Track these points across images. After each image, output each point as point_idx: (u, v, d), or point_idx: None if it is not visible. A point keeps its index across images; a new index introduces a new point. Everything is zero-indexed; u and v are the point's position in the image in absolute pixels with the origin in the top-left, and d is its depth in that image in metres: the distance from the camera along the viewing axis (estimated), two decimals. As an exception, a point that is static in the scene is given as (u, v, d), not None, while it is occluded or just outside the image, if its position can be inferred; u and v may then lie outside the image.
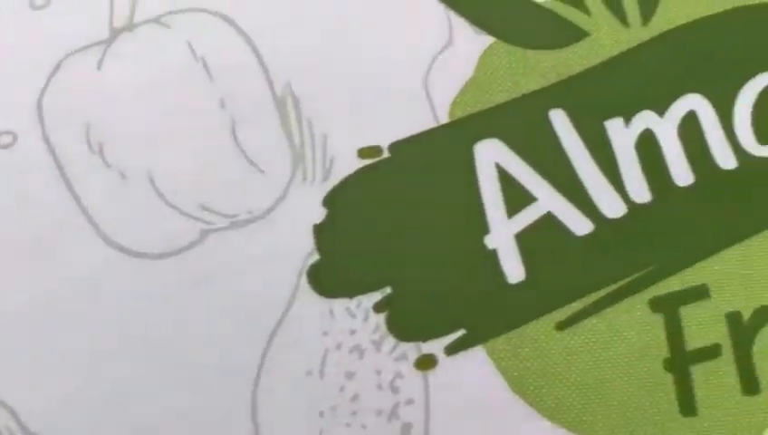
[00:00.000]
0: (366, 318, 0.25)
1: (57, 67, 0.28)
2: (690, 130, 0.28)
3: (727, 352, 0.26)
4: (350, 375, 0.25)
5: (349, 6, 0.29)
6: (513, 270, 0.26)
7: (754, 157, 0.28)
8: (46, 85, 0.26)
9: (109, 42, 0.27)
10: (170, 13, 0.29)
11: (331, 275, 0.25)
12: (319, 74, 0.27)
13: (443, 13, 0.29)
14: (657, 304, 0.26)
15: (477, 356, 0.25)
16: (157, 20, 0.29)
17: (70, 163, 0.26)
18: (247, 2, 0.29)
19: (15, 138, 0.27)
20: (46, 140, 0.27)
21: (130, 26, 0.29)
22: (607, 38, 0.28)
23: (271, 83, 0.28)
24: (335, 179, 0.26)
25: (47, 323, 0.25)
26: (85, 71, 0.28)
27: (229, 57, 0.27)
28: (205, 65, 0.28)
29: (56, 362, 0.24)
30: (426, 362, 0.25)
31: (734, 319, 0.26)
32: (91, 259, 0.26)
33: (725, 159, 0.27)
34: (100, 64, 0.28)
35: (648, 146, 0.27)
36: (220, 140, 0.26)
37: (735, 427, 0.25)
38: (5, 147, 0.26)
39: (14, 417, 0.24)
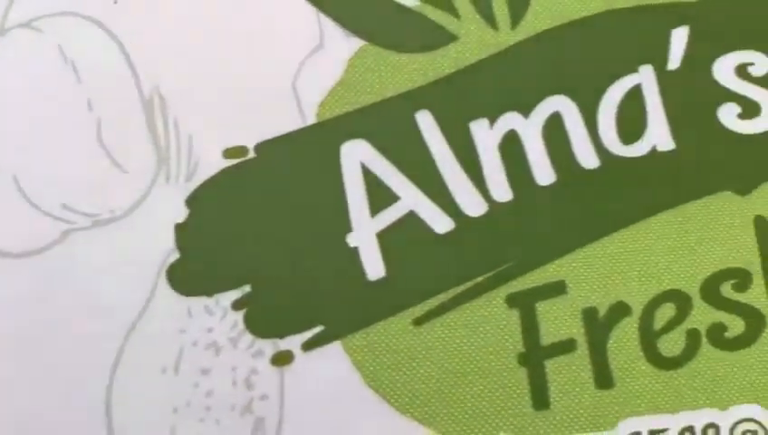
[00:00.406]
0: (224, 316, 0.24)
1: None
2: (554, 130, 0.26)
3: (582, 347, 0.25)
4: (205, 371, 0.23)
5: (218, 10, 0.28)
6: (374, 267, 0.25)
7: (617, 156, 0.26)
8: None
9: None
10: (42, 17, 0.28)
11: (191, 273, 0.24)
12: (187, 76, 0.26)
13: (314, 16, 0.27)
14: (513, 300, 0.25)
15: (334, 351, 0.24)
16: (28, 24, 0.28)
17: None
18: (118, 6, 0.29)
19: None
20: None
21: (2, 30, 0.28)
22: (475, 41, 0.27)
23: (139, 85, 0.25)
24: (199, 179, 0.25)
25: None
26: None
27: (98, 60, 0.25)
28: (74, 68, 0.25)
29: None
30: (282, 358, 0.24)
31: (589, 314, 0.25)
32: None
33: (588, 158, 0.26)
34: None
35: (511, 146, 0.26)
36: (85, 140, 0.25)
37: (589, 420, 0.24)
38: None
39: None
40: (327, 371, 0.24)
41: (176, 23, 0.27)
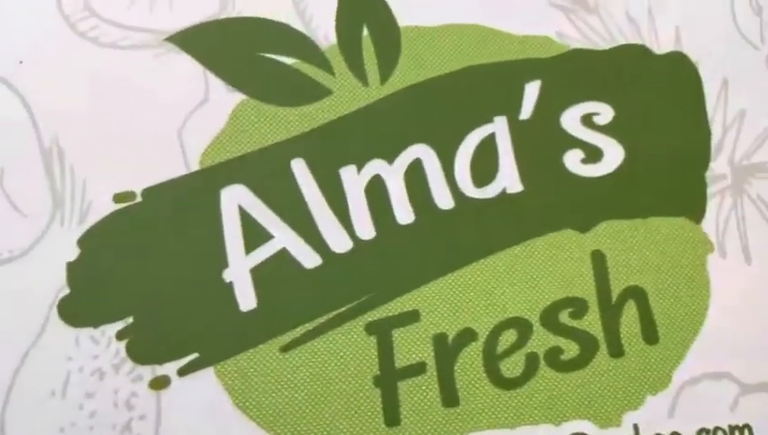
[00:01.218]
0: (108, 345, 0.26)
1: None
2: (415, 175, 0.29)
3: (431, 370, 0.27)
4: (90, 395, 0.25)
5: (113, 70, 0.30)
6: (246, 300, 0.27)
7: (470, 198, 0.29)
8: None
9: None
10: None
11: (79, 307, 0.26)
12: (83, 128, 0.28)
13: (201, 73, 0.29)
14: (372, 327, 0.27)
15: (207, 376, 0.26)
16: None
17: None
18: (23, 66, 0.31)
19: None
20: None
21: None
22: (347, 95, 0.30)
23: (39, 136, 0.28)
24: (90, 222, 0.27)
25: None
26: None
27: (3, 114, 0.28)
28: None
29: None
30: (159, 383, 0.26)
31: (439, 340, 0.27)
32: None
33: (444, 200, 0.29)
34: None
35: (376, 190, 0.29)
36: (-12, 191, 0.29)
37: (437, 433, 0.27)
38: None
39: None
40: (200, 393, 0.26)
41: (74, 81, 0.29)
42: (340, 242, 0.29)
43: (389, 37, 0.31)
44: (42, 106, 0.29)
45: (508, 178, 0.30)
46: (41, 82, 0.29)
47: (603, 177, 0.31)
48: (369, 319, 0.28)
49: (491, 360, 0.28)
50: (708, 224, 0.30)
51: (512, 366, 0.28)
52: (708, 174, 0.31)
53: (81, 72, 0.30)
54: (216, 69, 0.30)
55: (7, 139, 0.29)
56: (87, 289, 0.27)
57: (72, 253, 0.27)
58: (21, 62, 0.29)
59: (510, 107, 0.31)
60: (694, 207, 0.31)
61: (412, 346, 0.28)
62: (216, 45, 0.30)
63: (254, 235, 0.28)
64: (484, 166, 0.30)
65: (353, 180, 0.29)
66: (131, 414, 0.26)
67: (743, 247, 0.30)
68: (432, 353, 0.28)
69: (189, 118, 0.29)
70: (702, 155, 0.31)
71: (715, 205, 0.31)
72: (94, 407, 0.26)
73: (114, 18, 0.31)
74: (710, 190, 0.31)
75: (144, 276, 0.27)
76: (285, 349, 0.27)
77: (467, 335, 0.28)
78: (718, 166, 0.31)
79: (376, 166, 0.30)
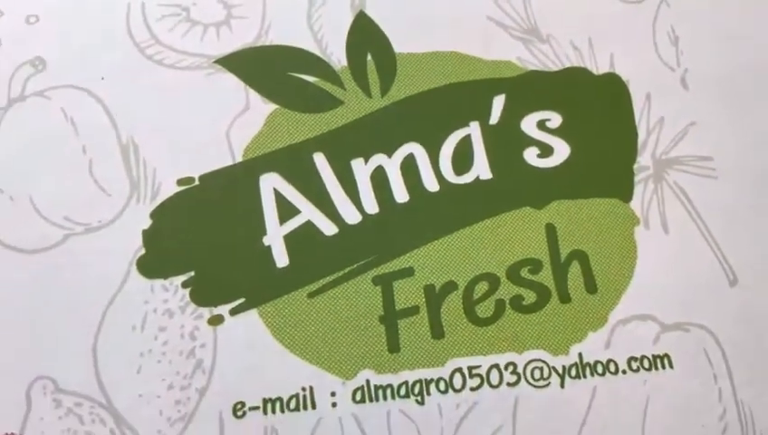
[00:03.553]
0: (176, 292, 0.33)
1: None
2: (409, 165, 0.36)
3: (423, 311, 0.33)
4: (162, 329, 0.32)
5: (174, 85, 0.36)
6: (281, 259, 0.34)
7: (451, 183, 0.36)
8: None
9: (6, 108, 0.35)
10: (50, 88, 0.36)
11: (152, 263, 0.33)
12: (152, 129, 0.35)
13: (243, 88, 0.36)
14: (377, 280, 0.34)
15: (251, 316, 0.33)
16: (41, 93, 0.36)
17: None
18: (104, 81, 0.38)
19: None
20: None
21: (23, 97, 0.36)
22: (356, 105, 0.37)
23: (118, 135, 0.35)
24: (160, 199, 0.34)
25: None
26: (-11, 128, 0.35)
27: (89, 118, 0.35)
28: (73, 123, 0.35)
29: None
30: (215, 320, 0.32)
31: (429, 289, 0.34)
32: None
33: (431, 184, 0.36)
34: None
35: (379, 176, 0.35)
36: (81, 173, 0.34)
37: (427, 359, 0.33)
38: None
39: None
40: (247, 328, 0.33)
41: (144, 92, 0.36)
42: (351, 215, 0.35)
43: (388, 61, 0.38)
44: (120, 111, 0.36)
45: (481, 168, 0.37)
46: (119, 93, 0.36)
47: (554, 167, 0.37)
48: (375, 274, 0.34)
49: (468, 304, 0.34)
50: (635, 203, 0.37)
51: (484, 309, 0.34)
52: (635, 166, 0.38)
53: (149, 86, 0.37)
54: (255, 85, 0.37)
55: (93, 137, 0.35)
56: (158, 250, 0.34)
57: (146, 223, 0.34)
58: (103, 78, 0.36)
59: (482, 114, 0.38)
60: (624, 190, 0.37)
61: (408, 294, 0.34)
62: (254, 66, 0.37)
63: (286, 210, 0.35)
64: (462, 159, 0.37)
65: (361, 169, 0.36)
66: (194, 343, 0.32)
67: (662, 221, 0.37)
68: (423, 299, 0.34)
69: (234, 122, 0.36)
70: (630, 151, 0.38)
71: (641, 189, 0.38)
72: (166, 338, 0.32)
73: (173, 45, 0.38)
74: (637, 178, 0.38)
75: (202, 241, 0.34)
76: (312, 295, 0.34)
77: (450, 286, 0.35)
78: (643, 159, 0.38)
79: (379, 159, 0.37)
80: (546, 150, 0.38)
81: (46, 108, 0.36)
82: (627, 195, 0.37)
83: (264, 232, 0.35)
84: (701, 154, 0.38)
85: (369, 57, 0.38)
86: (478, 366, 0.34)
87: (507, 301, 0.35)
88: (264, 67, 0.37)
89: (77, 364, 0.32)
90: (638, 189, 0.37)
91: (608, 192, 0.37)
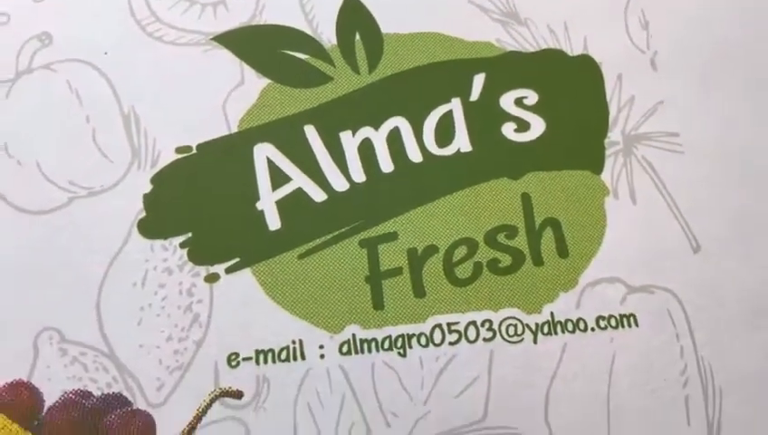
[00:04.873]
0: (174, 251, 0.34)
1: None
2: (394, 138, 0.38)
3: (406, 272, 0.35)
4: (161, 285, 0.34)
5: (173, 60, 0.38)
6: (273, 222, 0.35)
7: (434, 155, 0.38)
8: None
9: (14, 80, 0.37)
10: (56, 62, 0.37)
11: (152, 225, 0.35)
12: (152, 101, 0.37)
13: (238, 64, 0.38)
14: (363, 243, 0.35)
15: (245, 274, 0.34)
16: (47, 66, 0.38)
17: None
18: (108, 56, 0.40)
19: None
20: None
21: (30, 70, 0.38)
22: (344, 81, 0.39)
23: (120, 106, 0.37)
24: (159, 166, 0.36)
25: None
26: (-1, 99, 0.37)
27: (93, 90, 0.37)
28: (77, 95, 0.37)
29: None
30: (211, 278, 0.34)
31: (411, 253, 0.36)
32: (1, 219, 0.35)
33: (415, 155, 0.37)
34: (8, 95, 0.38)
35: (366, 148, 0.37)
36: (85, 141, 0.36)
37: (408, 316, 0.35)
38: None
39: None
40: (241, 286, 0.35)
41: (145, 67, 0.38)
42: (339, 183, 0.37)
43: (375, 40, 0.40)
44: (122, 84, 0.38)
45: (462, 141, 0.39)
46: (121, 67, 0.38)
47: (530, 141, 0.39)
48: (361, 237, 0.36)
49: (448, 266, 0.36)
50: (605, 175, 0.39)
51: (463, 271, 0.36)
52: (606, 141, 0.40)
53: (150, 61, 0.38)
54: (249, 60, 0.39)
55: (96, 107, 0.37)
56: (158, 212, 0.36)
57: (147, 187, 0.36)
58: (106, 53, 0.38)
59: (463, 91, 0.40)
60: (595, 163, 0.39)
61: (392, 256, 0.36)
62: (249, 44, 0.39)
63: (278, 178, 0.37)
64: (444, 132, 0.39)
65: (349, 141, 0.38)
66: (192, 299, 0.34)
67: (630, 192, 0.39)
68: (406, 261, 0.36)
69: (230, 95, 0.38)
70: (602, 127, 0.40)
71: (611, 162, 0.40)
72: (165, 293, 0.34)
73: (173, 23, 0.39)
74: (607, 152, 0.40)
75: (199, 204, 0.36)
76: (302, 256, 0.36)
77: (431, 249, 0.37)
78: (614, 135, 0.40)
79: (366, 131, 0.38)
80: (523, 126, 0.40)
81: (52, 80, 0.37)
82: (598, 167, 0.39)
83: (257, 197, 0.36)
84: (668, 130, 0.40)
85: (357, 37, 0.40)
86: (457, 323, 0.35)
87: (484, 263, 0.37)
88: (259, 44, 0.39)
89: (81, 317, 0.33)
90: (608, 163, 0.39)
91: (580, 165, 0.39)
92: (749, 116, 0.40)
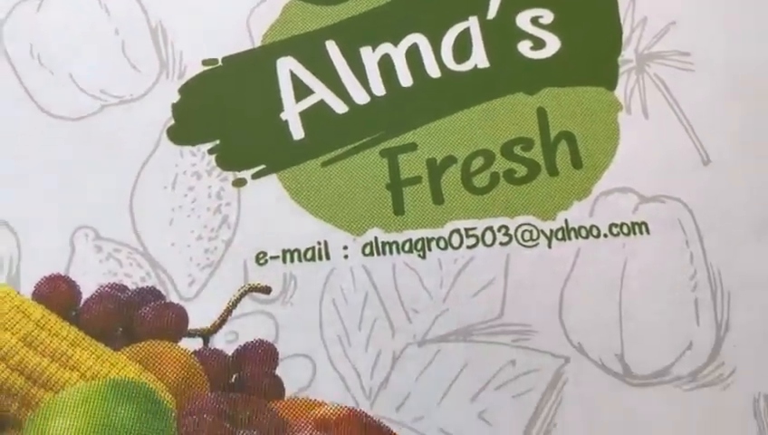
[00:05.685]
0: (203, 157, 0.35)
1: (10, 10, 0.39)
2: (413, 54, 0.38)
3: (425, 181, 0.36)
4: (191, 188, 0.35)
5: None
6: (297, 132, 0.36)
7: (452, 70, 0.38)
8: (5, 18, 0.38)
9: None
10: None
11: (181, 132, 0.36)
12: (180, 15, 0.38)
13: None
14: (384, 153, 0.37)
15: (271, 180, 0.36)
16: None
17: (19, 64, 0.38)
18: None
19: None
20: (4, 51, 0.38)
21: None
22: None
23: (149, 20, 0.38)
24: (187, 77, 0.37)
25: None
26: (29, 12, 0.39)
27: (121, 3, 0.38)
28: (106, 10, 0.38)
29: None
30: (239, 182, 0.35)
31: (431, 162, 0.37)
32: (31, 123, 0.36)
33: (433, 71, 0.38)
34: (39, 8, 0.38)
35: (386, 63, 0.38)
36: (115, 53, 0.37)
37: (426, 221, 0.36)
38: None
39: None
40: (267, 190, 0.36)
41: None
42: (360, 96, 0.38)
43: (394, -42, 0.41)
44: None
45: (479, 58, 0.40)
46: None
47: (546, 59, 0.40)
48: (382, 147, 0.37)
49: (466, 176, 0.37)
50: (619, 91, 0.40)
51: (480, 180, 0.37)
52: (620, 59, 0.41)
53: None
54: (272, -21, 0.40)
55: (126, 22, 0.38)
56: (186, 121, 0.37)
57: (175, 97, 0.37)
58: (132, -30, 0.39)
59: (480, 10, 0.41)
60: (609, 79, 0.40)
61: (412, 166, 0.37)
62: (272, -38, 0.40)
63: (301, 90, 0.38)
64: (462, 49, 0.40)
65: (369, 56, 0.39)
66: (220, 202, 0.35)
67: (643, 108, 0.40)
68: (426, 171, 0.37)
69: (253, 11, 0.39)
70: (616, 46, 0.41)
71: (624, 79, 0.40)
72: (194, 196, 0.35)
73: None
74: (621, 70, 0.40)
75: (225, 114, 0.37)
76: (325, 164, 0.37)
77: (450, 160, 0.37)
78: (627, 54, 0.41)
79: (385, 47, 0.39)
80: (539, 44, 0.40)
81: (83, -5, 0.38)
82: (611, 84, 0.40)
83: (281, 108, 0.37)
84: (680, 50, 0.41)
85: (377, -43, 0.41)
86: (474, 228, 0.36)
87: (501, 173, 0.38)
88: (281, -38, 0.40)
89: (115, 216, 0.35)
90: (621, 80, 0.40)
91: (594, 81, 0.40)
92: (759, 35, 0.41)
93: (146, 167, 0.35)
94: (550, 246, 0.36)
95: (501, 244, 0.36)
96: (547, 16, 0.41)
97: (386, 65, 0.39)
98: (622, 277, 0.36)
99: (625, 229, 0.37)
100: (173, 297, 0.33)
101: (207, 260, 0.34)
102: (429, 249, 0.36)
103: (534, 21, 0.41)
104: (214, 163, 0.36)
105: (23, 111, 0.36)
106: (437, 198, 0.37)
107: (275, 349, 0.33)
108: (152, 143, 0.36)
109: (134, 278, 0.34)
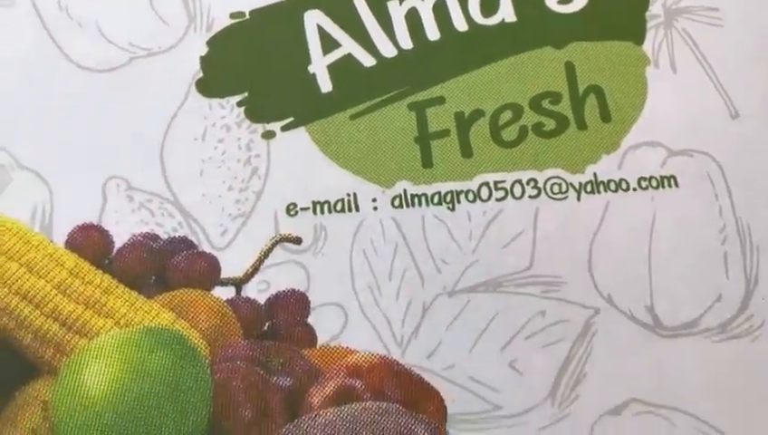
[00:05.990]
0: (232, 110, 0.35)
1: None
2: (440, 7, 0.38)
3: (453, 134, 0.36)
4: (221, 140, 0.35)
5: None
6: (325, 85, 0.36)
7: (479, 24, 0.38)
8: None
9: None
10: None
11: (210, 84, 0.36)
12: (206, -29, 0.39)
13: None
14: (412, 106, 0.36)
15: (300, 132, 0.36)
16: None
17: (48, 17, 0.37)
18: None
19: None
20: (33, 3, 0.38)
21: None
22: None
23: (176, -26, 0.39)
24: (215, 30, 0.37)
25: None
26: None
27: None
28: None
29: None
30: (268, 135, 0.35)
31: (459, 116, 0.36)
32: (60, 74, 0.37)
33: (461, 24, 0.38)
34: None
35: (413, 17, 0.38)
36: (143, 6, 0.37)
37: (455, 173, 0.35)
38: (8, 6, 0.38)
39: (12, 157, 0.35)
40: (297, 142, 0.36)
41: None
42: (387, 49, 0.38)
43: None
44: (175, -45, 0.38)
45: (506, 12, 0.39)
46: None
47: (573, 13, 0.40)
48: (410, 101, 0.37)
49: (495, 129, 0.37)
50: (647, 46, 0.39)
51: (509, 134, 0.37)
52: (648, 14, 0.40)
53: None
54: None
55: (151, -22, 0.38)
56: (214, 73, 0.37)
57: (203, 50, 0.37)
58: (160, -77, 0.39)
59: (507, -36, 0.40)
60: (637, 34, 0.40)
61: (440, 119, 0.37)
62: None
63: (328, 43, 0.38)
64: (489, 3, 0.39)
65: (396, 9, 0.39)
66: (250, 153, 0.35)
67: (671, 62, 0.39)
68: (454, 124, 0.37)
69: (281, -34, 0.39)
70: (643, 0, 0.41)
71: (652, 34, 0.40)
72: (224, 148, 0.35)
73: None
74: (649, 25, 0.40)
75: (253, 67, 0.37)
76: (353, 117, 0.37)
77: (478, 113, 0.37)
78: (655, 8, 0.40)
79: (412, 1, 0.39)
80: (566, -2, 0.40)
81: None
82: (639, 38, 0.40)
83: (309, 61, 0.37)
84: (708, 5, 0.41)
85: None
86: (503, 181, 0.36)
87: (530, 127, 0.37)
88: None
89: (146, 167, 0.35)
90: (649, 34, 0.40)
91: (622, 36, 0.40)
92: (788, -11, 0.41)
93: (175, 119, 0.35)
94: (579, 199, 0.36)
95: (530, 196, 0.36)
96: (575, -28, 0.41)
97: (413, 19, 0.39)
98: (651, 230, 0.36)
99: (654, 183, 0.37)
100: (205, 247, 0.34)
101: (239, 211, 0.34)
102: (458, 202, 0.36)
103: (562, -24, 0.40)
104: (243, 115, 0.36)
105: (52, 62, 0.36)
106: (466, 151, 0.37)
107: (307, 298, 0.33)
108: (181, 95, 0.36)
109: (166, 228, 0.34)
